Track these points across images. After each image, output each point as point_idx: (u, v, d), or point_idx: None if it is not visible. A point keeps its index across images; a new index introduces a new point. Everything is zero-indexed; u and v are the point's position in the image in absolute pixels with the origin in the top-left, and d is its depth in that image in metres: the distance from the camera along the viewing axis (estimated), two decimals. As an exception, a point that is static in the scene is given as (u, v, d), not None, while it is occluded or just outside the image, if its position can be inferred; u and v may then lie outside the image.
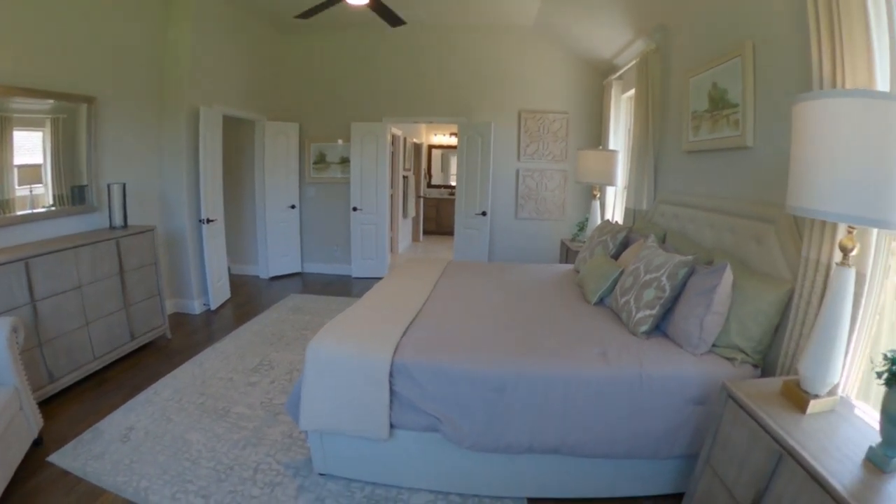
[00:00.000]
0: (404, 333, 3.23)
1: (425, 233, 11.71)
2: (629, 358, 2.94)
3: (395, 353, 2.98)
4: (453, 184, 12.11)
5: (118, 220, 5.10)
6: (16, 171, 4.36)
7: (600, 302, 4.00)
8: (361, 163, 7.53)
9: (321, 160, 7.91)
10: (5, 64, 4.16)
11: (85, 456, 3.51)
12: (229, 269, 7.20)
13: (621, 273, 3.89)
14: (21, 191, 4.43)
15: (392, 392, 2.94)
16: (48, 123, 4.61)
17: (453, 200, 11.46)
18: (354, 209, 7.65)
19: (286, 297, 6.91)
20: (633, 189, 5.32)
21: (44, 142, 4.61)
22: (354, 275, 7.96)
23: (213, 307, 6.48)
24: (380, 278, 7.58)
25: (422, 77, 7.41)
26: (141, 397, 4.30)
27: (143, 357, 5.14)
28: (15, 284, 3.87)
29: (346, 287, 7.46)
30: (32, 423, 3.51)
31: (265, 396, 4.23)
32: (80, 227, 5.04)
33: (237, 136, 7.74)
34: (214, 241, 6.51)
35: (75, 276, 4.38)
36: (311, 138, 7.92)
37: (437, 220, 11.92)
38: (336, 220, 8.02)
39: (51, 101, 4.55)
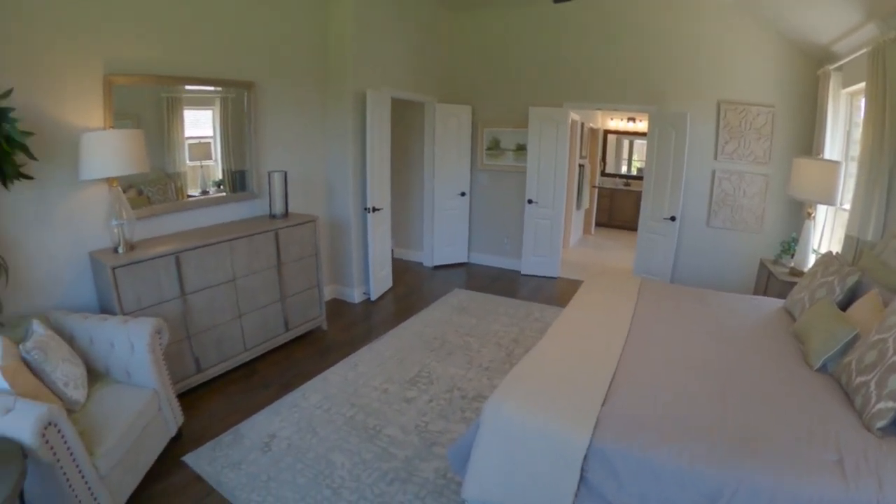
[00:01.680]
0: (604, 401, 2.51)
1: (597, 225, 10.69)
2: (867, 471, 2.05)
3: (594, 431, 2.30)
4: (627, 172, 11.10)
5: (279, 209, 4.89)
6: (187, 146, 4.43)
7: (823, 367, 2.93)
8: (539, 151, 6.80)
9: (495, 146, 7.32)
10: (173, 56, 4.15)
11: (222, 462, 3.27)
12: (392, 251, 6.82)
13: (855, 337, 2.82)
14: (192, 164, 4.53)
15: (582, 478, 2.29)
16: (217, 102, 4.62)
17: (628, 192, 10.48)
18: (529, 202, 6.95)
19: (450, 293, 6.41)
20: (858, 213, 4.03)
21: (213, 120, 4.64)
22: (523, 271, 7.30)
23: (373, 297, 6.15)
24: (551, 278, 7.00)
25: (607, 59, 6.42)
26: (288, 399, 4.01)
27: (296, 349, 4.89)
28: (164, 279, 3.75)
29: (513, 285, 6.85)
30: (171, 421, 3.35)
31: (421, 419, 3.69)
32: (240, 214, 4.93)
33: (406, 119, 7.41)
34: (379, 230, 6.18)
35: (229, 270, 4.22)
36: (485, 122, 7.35)
37: (610, 211, 10.85)
38: (508, 210, 7.42)
39: (214, 87, 4.55)
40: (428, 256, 7.74)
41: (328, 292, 6.09)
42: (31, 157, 3.06)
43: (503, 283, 6.90)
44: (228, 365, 4.32)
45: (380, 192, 6.04)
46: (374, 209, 5.89)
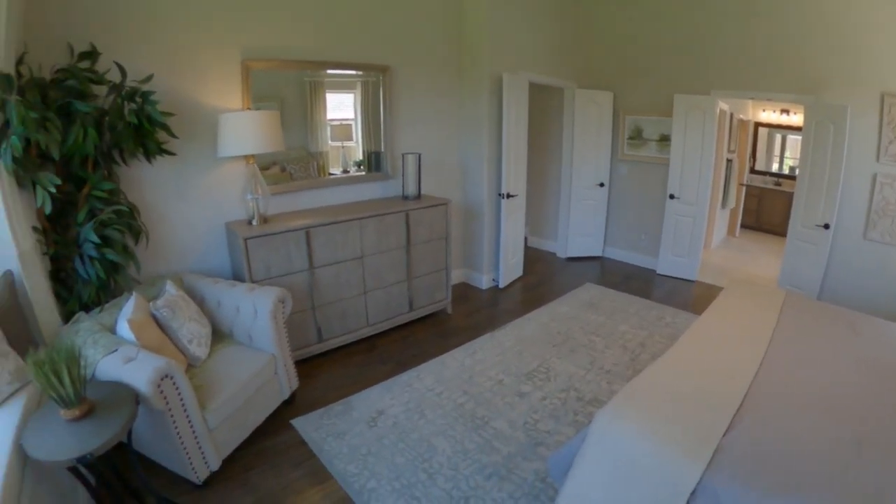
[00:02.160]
0: (726, 432, 2.16)
1: (742, 226, 9.62)
2: None
3: (708, 465, 1.98)
4: (778, 170, 9.77)
5: (411, 190, 4.89)
6: (329, 127, 4.63)
7: None
8: (684, 142, 6.22)
9: (637, 135, 6.83)
10: (308, 41, 4.30)
11: (327, 430, 3.34)
12: (526, 240, 6.64)
13: None
14: (334, 144, 4.72)
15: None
16: (358, 86, 4.76)
17: (779, 192, 9.25)
18: (671, 196, 6.41)
19: (581, 287, 6.11)
20: None
21: (354, 103, 4.78)
22: (659, 271, 6.77)
23: (501, 285, 6.03)
24: (688, 280, 6.42)
25: (760, 41, 5.56)
26: (402, 378, 4.00)
27: (418, 329, 4.90)
28: (294, 251, 3.87)
29: (648, 285, 6.36)
30: (285, 385, 3.47)
31: (531, 416, 3.51)
32: (374, 193, 5.02)
33: (543, 105, 7.11)
34: (513, 217, 6.03)
35: (358, 247, 4.29)
36: (627, 110, 6.84)
37: (758, 213, 9.60)
38: (647, 204, 6.89)
39: (350, 70, 4.67)
40: (562, 247, 7.46)
41: (456, 276, 6.05)
42: (172, 135, 3.32)
43: (637, 281, 6.45)
44: (349, 338, 4.41)
45: (515, 178, 5.88)
46: (509, 195, 5.75)
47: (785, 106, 8.98)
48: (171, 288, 3.11)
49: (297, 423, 3.40)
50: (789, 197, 8.08)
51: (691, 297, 5.89)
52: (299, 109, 4.41)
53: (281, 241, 3.76)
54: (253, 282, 3.61)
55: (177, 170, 3.67)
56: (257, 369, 3.10)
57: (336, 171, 4.77)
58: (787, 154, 9.67)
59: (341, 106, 4.74)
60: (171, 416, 2.48)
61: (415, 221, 4.63)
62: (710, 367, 2.72)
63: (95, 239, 2.87)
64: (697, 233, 6.33)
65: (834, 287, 5.32)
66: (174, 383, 2.46)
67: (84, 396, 2.11)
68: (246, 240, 3.57)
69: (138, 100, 3.15)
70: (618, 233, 7.29)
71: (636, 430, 2.18)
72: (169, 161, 3.51)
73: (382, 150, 4.97)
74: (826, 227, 5.20)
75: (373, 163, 4.98)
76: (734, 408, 2.31)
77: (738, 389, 2.48)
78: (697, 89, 6.03)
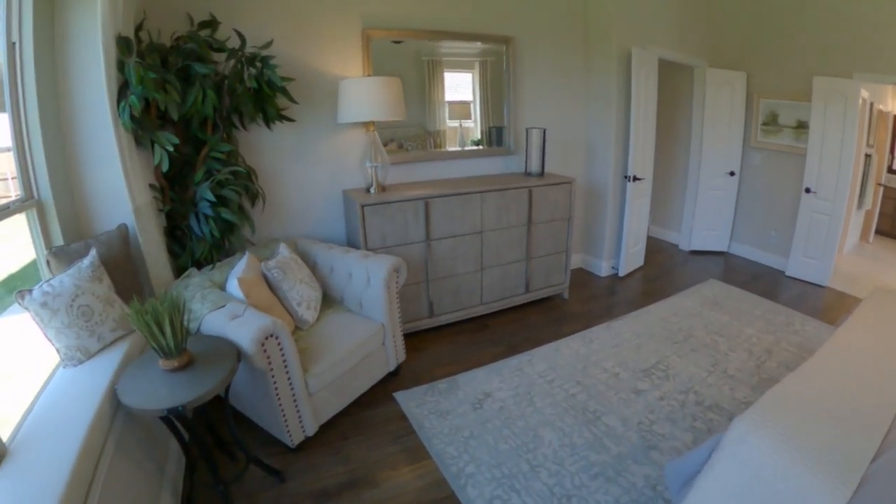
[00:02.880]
0: (875, 457, 1.76)
1: (877, 232, 8.36)
2: None
3: (854, 495, 1.60)
4: None
5: (535, 167, 4.58)
6: (447, 106, 4.48)
7: None
8: (823, 130, 5.40)
9: (772, 121, 6.05)
10: (430, 11, 4.15)
11: (430, 407, 3.17)
12: (647, 228, 6.17)
13: None
14: (451, 123, 4.55)
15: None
16: (476, 66, 4.54)
17: None
18: (807, 191, 5.63)
19: (704, 283, 5.56)
20: None
21: (473, 83, 4.58)
22: (788, 272, 6.00)
23: (621, 273, 5.60)
24: (818, 285, 5.67)
25: None
26: (513, 361, 3.76)
27: (532, 312, 4.63)
28: (411, 222, 3.72)
29: (775, 286, 5.65)
30: (392, 357, 3.34)
31: (646, 416, 3.15)
32: (494, 169, 4.78)
33: (671, 85, 6.49)
34: (638, 203, 5.55)
35: (477, 222, 4.07)
36: (761, 93, 6.08)
37: (894, 218, 8.39)
38: (781, 198, 6.12)
39: (476, 42, 4.45)
40: (685, 239, 6.85)
41: (574, 261, 5.71)
42: (292, 100, 3.27)
43: (764, 282, 5.76)
44: (461, 315, 4.23)
45: (642, 160, 5.38)
46: (635, 178, 5.27)
47: None
48: (284, 250, 3.06)
49: (400, 396, 3.25)
50: None
51: (822, 304, 5.19)
52: (417, 88, 4.27)
53: (398, 210, 3.62)
54: (368, 250, 3.51)
55: (296, 136, 3.63)
56: (365, 338, 2.98)
57: (453, 148, 4.59)
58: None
59: (459, 88, 4.55)
60: (273, 376, 2.39)
61: (537, 199, 4.33)
62: (854, 384, 2.23)
63: (211, 197, 2.85)
64: (833, 233, 5.54)
65: None
66: (279, 343, 2.37)
67: (185, 349, 2.04)
68: (363, 206, 3.46)
69: (258, 64, 3.11)
70: (746, 228, 6.59)
71: (777, 444, 1.78)
72: (288, 127, 3.48)
73: (505, 124, 4.70)
74: None
75: (493, 137, 4.73)
76: (883, 432, 1.88)
77: (886, 411, 2.02)
78: (839, 71, 5.23)
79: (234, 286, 2.60)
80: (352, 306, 3.26)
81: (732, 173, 6.41)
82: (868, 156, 6.95)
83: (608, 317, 4.57)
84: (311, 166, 3.78)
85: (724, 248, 6.77)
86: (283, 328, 2.38)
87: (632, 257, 5.69)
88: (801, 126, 5.70)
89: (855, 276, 6.09)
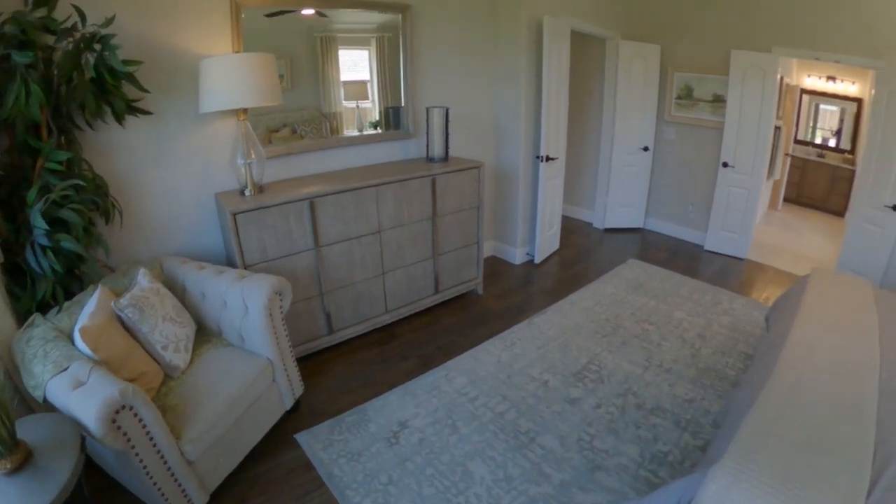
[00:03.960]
0: (869, 493, 1.62)
1: (784, 200, 8.95)
2: None
3: None
4: (821, 142, 8.91)
5: (437, 152, 4.26)
6: (343, 86, 4.08)
7: None
8: (741, 104, 5.54)
9: (686, 95, 6.12)
10: None
11: (338, 449, 2.83)
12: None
13: None
14: (348, 104, 4.17)
15: None
16: (373, 42, 4.16)
17: (823, 165, 8.59)
18: (724, 165, 5.76)
19: (624, 264, 5.54)
20: None
21: (369, 60, 4.20)
22: (707, 246, 6.15)
23: (537, 260, 5.45)
24: (737, 258, 5.87)
25: None
26: (428, 378, 3.49)
27: (444, 314, 4.37)
28: (296, 227, 3.31)
29: (695, 262, 5.76)
30: (287, 394, 2.97)
31: (585, 430, 2.97)
32: (393, 155, 4.43)
33: (583, 59, 6.41)
34: (552, 184, 5.40)
35: (374, 220, 3.72)
36: (676, 66, 6.13)
37: (800, 186, 8.90)
38: (697, 172, 6.23)
39: (373, 14, 4.05)
40: (599, 217, 6.85)
41: (487, 249, 5.51)
42: (142, 88, 2.72)
43: (683, 258, 5.85)
44: (365, 327, 3.89)
45: (555, 139, 5.21)
46: (548, 158, 5.09)
47: (830, 73, 8.23)
48: (142, 279, 2.56)
49: (303, 438, 2.88)
50: (832, 170, 8.14)
51: (744, 278, 5.34)
52: (310, 67, 3.83)
53: (279, 215, 3.18)
54: (246, 266, 3.06)
55: (156, 132, 3.09)
56: (250, 379, 2.56)
57: (351, 132, 4.20)
58: (824, 125, 8.88)
59: (356, 66, 4.15)
60: (137, 454, 1.95)
61: (442, 188, 4.03)
62: (825, 399, 2.11)
63: (43, 224, 2.30)
64: (751, 206, 5.72)
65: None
66: (136, 414, 1.92)
67: (18, 441, 1.60)
68: (234, 215, 2.98)
69: (97, 46, 2.56)
70: (661, 203, 6.67)
71: (764, 498, 1.59)
72: (145, 122, 2.95)
73: (403, 104, 4.34)
74: (896, 208, 4.53)
75: (391, 120, 4.36)
76: (869, 458, 1.75)
77: (864, 431, 1.90)
78: (757, 45, 5.32)
79: (77, 339, 2.11)
80: (232, 339, 2.82)
81: (646, 148, 6.44)
82: (777, 128, 7.19)
83: (529, 311, 4.40)
84: (177, 168, 3.24)
85: (639, 225, 6.84)
86: (138, 395, 1.93)
87: (547, 242, 5.55)
88: (718, 100, 5.79)
89: (771, 245, 6.34)
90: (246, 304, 2.68)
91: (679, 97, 6.16)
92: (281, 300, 2.76)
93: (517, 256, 5.43)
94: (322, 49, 3.84)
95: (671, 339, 3.96)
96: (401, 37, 4.18)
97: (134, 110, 2.79)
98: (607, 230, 6.75)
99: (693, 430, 2.95)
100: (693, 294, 4.76)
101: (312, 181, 3.63)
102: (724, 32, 5.56)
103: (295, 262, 3.34)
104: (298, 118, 3.85)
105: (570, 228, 6.73)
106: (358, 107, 4.23)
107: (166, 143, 3.17)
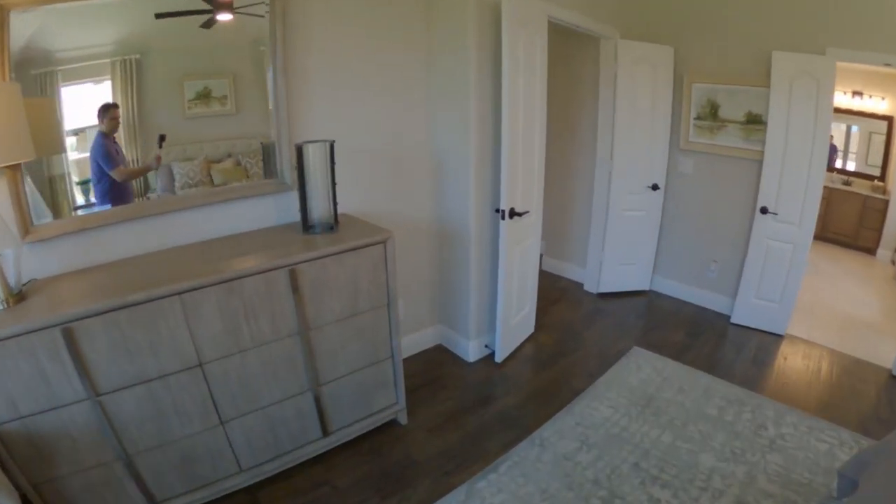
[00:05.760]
0: None
1: None
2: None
3: None
4: (853, 167, 8.21)
5: (319, 213, 2.92)
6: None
7: None
8: (787, 127, 4.26)
9: (710, 114, 4.85)
10: None
11: None
12: (541, 258, 4.98)
13: None
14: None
15: None
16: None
17: (850, 194, 7.89)
18: (764, 210, 4.49)
19: (626, 355, 4.23)
20: None
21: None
22: (735, 318, 4.87)
23: (499, 357, 4.10)
24: (775, 335, 4.70)
25: None
26: None
27: (341, 466, 3.04)
28: (52, 370, 2.05)
29: (721, 344, 4.47)
30: None
31: None
32: (261, 220, 3.12)
33: (568, 62, 5.21)
34: (521, 250, 4.05)
35: (189, 348, 2.36)
36: (695, 75, 4.85)
37: (824, 219, 7.98)
38: (723, 219, 4.97)
39: None
40: (592, 278, 5.54)
41: (428, 336, 4.27)
42: None
43: (706, 338, 4.58)
44: (209, 493, 2.60)
45: (527, 183, 3.87)
46: (514, 213, 3.72)
47: (856, 87, 7.61)
48: None
49: None
50: (862, 200, 7.57)
51: (788, 368, 4.15)
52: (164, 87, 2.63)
53: (21, 353, 1.92)
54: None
55: None
56: None
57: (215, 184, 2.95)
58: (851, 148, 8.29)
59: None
60: None
61: (315, 282, 2.66)
62: None
63: None
64: (797, 267, 4.51)
65: None
66: None
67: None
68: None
69: None
70: (675, 259, 5.44)
71: None
72: None
73: (273, 137, 3.01)
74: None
75: (271, 161, 3.07)
76: None
77: None
78: (806, 45, 4.14)
79: None
80: None
81: (655, 187, 5.16)
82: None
83: (472, 463, 3.06)
84: None
85: (645, 287, 5.61)
86: None
87: (515, 330, 4.24)
88: (754, 121, 4.57)
89: (807, 305, 5.32)
90: None
91: (699, 117, 4.93)
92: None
93: (471, 351, 4.08)
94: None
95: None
96: (270, 26, 2.84)
97: None
98: (602, 295, 5.44)
99: None
100: (725, 411, 3.48)
101: (109, 274, 2.38)
102: (760, 29, 4.37)
103: (65, 417, 2.08)
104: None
105: (553, 292, 5.46)
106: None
107: None
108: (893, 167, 7.47)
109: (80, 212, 2.48)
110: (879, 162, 7.72)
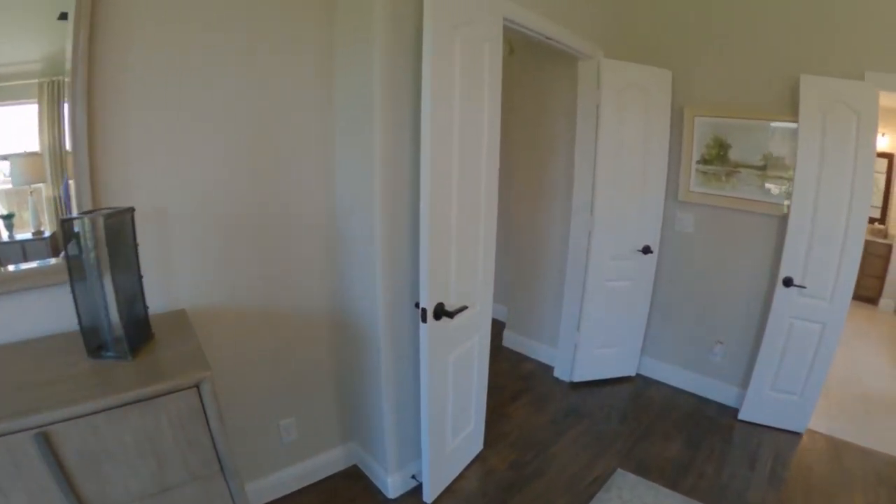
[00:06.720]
0: None
1: None
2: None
3: None
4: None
5: (112, 326, 1.85)
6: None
7: None
8: (820, 172, 3.44)
9: (717, 156, 4.05)
10: None
11: None
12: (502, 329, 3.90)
13: None
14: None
15: None
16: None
17: (878, 245, 7.43)
18: (787, 283, 3.61)
19: (609, 480, 3.27)
20: None
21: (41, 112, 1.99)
22: (744, 414, 4.00)
23: (428, 498, 3.02)
24: (793, 433, 3.94)
25: None
26: None
27: None
28: None
29: (726, 451, 3.62)
30: None
31: None
32: (50, 324, 2.09)
33: (536, 86, 4.42)
34: (458, 355, 3.02)
35: None
36: (698, 105, 4.07)
37: None
38: (732, 290, 4.12)
39: None
40: (564, 361, 4.56)
41: (338, 456, 3.23)
42: None
43: (711, 446, 3.66)
44: None
45: (463, 262, 2.84)
46: (444, 313, 2.69)
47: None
48: None
49: None
50: (863, 245, 6.40)
51: (815, 485, 3.31)
52: None
53: None
54: None
55: None
56: None
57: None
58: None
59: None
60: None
61: (84, 452, 1.59)
62: None
63: None
64: (826, 353, 3.69)
65: None
66: None
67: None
68: None
69: None
70: (669, 337, 4.58)
71: None
72: None
73: (78, 196, 2.03)
74: None
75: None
76: None
77: None
78: (839, 68, 3.39)
79: None
80: None
81: (648, 249, 4.29)
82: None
83: None
84: None
85: (631, 372, 4.69)
86: None
87: (452, 458, 3.22)
88: (774, 165, 3.79)
89: (833, 390, 4.61)
90: None
91: (704, 160, 4.15)
92: None
93: (390, 486, 3.03)
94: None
95: None
96: (72, 42, 1.88)
97: None
98: (578, 385, 4.49)
99: None
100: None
101: None
102: (781, 49, 3.61)
103: None
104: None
105: (515, 383, 4.49)
106: (31, 192, 2.03)
107: None
108: (895, 209, 7.22)
109: None
110: (879, 203, 7.50)
